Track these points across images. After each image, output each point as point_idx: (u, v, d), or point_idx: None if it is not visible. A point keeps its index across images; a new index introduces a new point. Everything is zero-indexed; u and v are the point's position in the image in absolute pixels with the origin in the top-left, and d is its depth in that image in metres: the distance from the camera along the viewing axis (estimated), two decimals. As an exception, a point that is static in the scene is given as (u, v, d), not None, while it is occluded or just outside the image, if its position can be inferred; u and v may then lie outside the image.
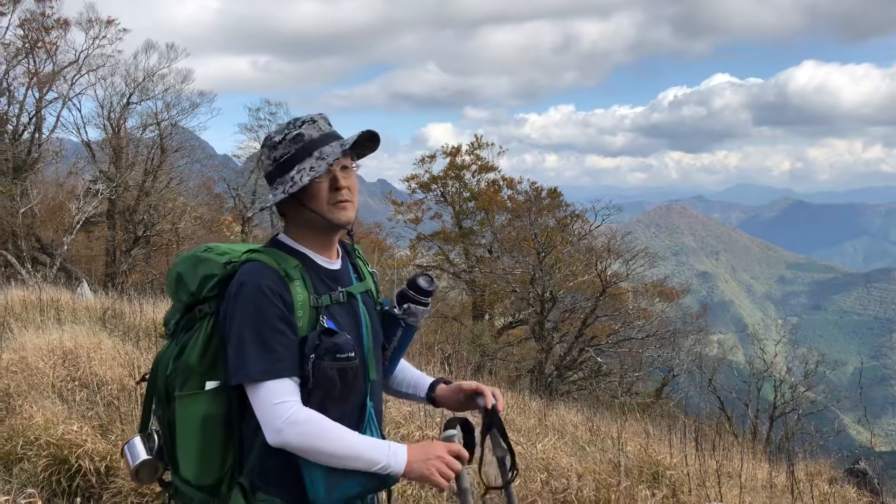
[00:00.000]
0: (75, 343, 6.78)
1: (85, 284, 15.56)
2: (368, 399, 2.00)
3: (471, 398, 2.20)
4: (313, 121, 1.94)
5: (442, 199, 32.63)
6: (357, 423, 1.96)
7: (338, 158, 1.90)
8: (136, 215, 26.57)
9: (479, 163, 32.86)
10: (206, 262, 1.97)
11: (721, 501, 4.85)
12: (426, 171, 32.91)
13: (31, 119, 26.17)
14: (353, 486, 1.84)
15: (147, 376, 2.03)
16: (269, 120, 32.61)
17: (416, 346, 10.34)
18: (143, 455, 1.97)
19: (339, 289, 1.98)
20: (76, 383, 5.76)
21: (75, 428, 4.52)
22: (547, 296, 21.78)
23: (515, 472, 2.14)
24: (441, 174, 32.62)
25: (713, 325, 36.78)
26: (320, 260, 1.99)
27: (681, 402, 20.78)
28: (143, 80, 27.04)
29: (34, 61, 25.98)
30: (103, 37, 26.16)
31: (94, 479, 4.19)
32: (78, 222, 23.76)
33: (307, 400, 1.84)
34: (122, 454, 2.03)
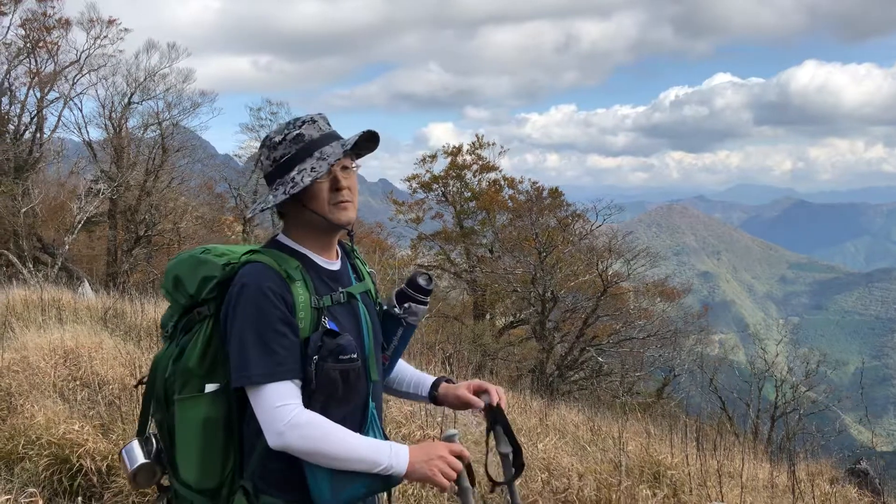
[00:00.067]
0: (77, 343, 6.78)
1: (86, 284, 15.57)
2: (370, 400, 1.99)
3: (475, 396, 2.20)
4: (313, 121, 1.93)
5: (443, 198, 32.64)
6: (359, 424, 1.95)
7: (339, 159, 1.89)
8: (138, 215, 26.60)
9: (481, 162, 32.87)
10: (205, 263, 1.95)
11: (722, 501, 4.85)
12: (427, 171, 32.94)
13: (32, 119, 26.21)
14: (358, 487, 1.83)
15: (145, 379, 2.01)
16: (270, 119, 32.67)
17: (417, 346, 10.34)
18: (140, 459, 1.95)
19: (340, 289, 1.97)
20: (77, 383, 5.76)
21: (76, 427, 4.52)
22: (548, 295, 21.78)
23: (521, 468, 2.14)
24: (442, 174, 32.62)
25: (714, 325, 36.76)
26: (320, 261, 1.98)
27: (682, 401, 20.81)
28: (145, 79, 27.11)
29: (35, 61, 26.04)
30: (105, 36, 26.23)
31: (95, 479, 4.19)
32: (79, 222, 23.77)
33: (310, 402, 1.83)
34: (120, 458, 2.02)
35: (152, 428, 2.00)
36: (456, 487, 1.95)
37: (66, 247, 23.48)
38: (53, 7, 25.90)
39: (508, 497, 2.17)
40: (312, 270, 1.94)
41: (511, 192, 32.63)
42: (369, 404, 1.98)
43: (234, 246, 2.05)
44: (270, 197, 1.93)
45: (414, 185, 33.00)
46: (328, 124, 1.97)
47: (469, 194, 32.51)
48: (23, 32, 25.59)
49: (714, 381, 18.71)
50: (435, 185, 32.71)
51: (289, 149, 1.91)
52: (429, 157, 33.16)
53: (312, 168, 1.87)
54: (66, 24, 26.07)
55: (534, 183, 32.39)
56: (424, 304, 2.16)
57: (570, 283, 22.57)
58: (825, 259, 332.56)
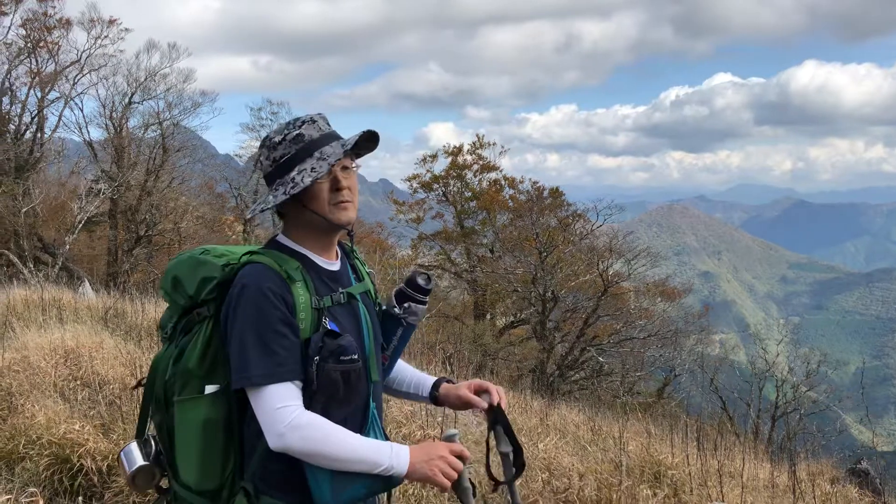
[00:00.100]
0: (77, 342, 6.78)
1: (87, 284, 15.57)
2: (371, 400, 1.99)
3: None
4: (313, 121, 1.93)
5: (443, 198, 32.65)
6: (360, 424, 1.95)
7: (339, 159, 1.89)
8: (138, 215, 26.60)
9: (481, 162, 32.88)
10: (204, 264, 1.94)
11: (723, 501, 4.85)
12: (428, 171, 32.95)
13: (33, 118, 26.21)
14: (359, 488, 1.82)
15: (143, 381, 2.00)
16: (270, 119, 32.69)
17: (418, 346, 10.34)
18: (139, 461, 1.94)
19: (340, 290, 1.96)
20: (78, 382, 5.76)
21: (77, 427, 4.52)
22: (548, 295, 21.78)
23: (522, 468, 2.14)
24: (443, 174, 32.63)
25: (715, 325, 36.76)
26: (320, 261, 1.97)
27: (682, 401, 20.81)
28: (145, 79, 27.13)
29: (36, 61, 26.05)
30: (105, 36, 26.25)
31: (95, 479, 4.19)
32: (80, 222, 23.77)
33: (311, 403, 1.82)
34: (118, 460, 2.01)
35: (151, 430, 1.99)
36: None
37: (67, 246, 23.49)
38: (54, 7, 25.95)
39: (509, 496, 2.17)
40: (312, 271, 1.93)
41: (512, 191, 32.66)
42: (370, 405, 1.98)
43: (234, 246, 2.05)
44: (270, 197, 1.92)
45: (414, 184, 33.02)
46: (328, 124, 1.96)
47: (469, 194, 32.53)
48: (23, 32, 25.64)
49: (715, 381, 18.70)
50: (435, 185, 32.72)
51: (289, 149, 1.90)
52: (429, 156, 33.20)
53: (313, 168, 1.87)
54: (66, 23, 26.11)
55: (534, 183, 32.44)
56: (424, 303, 2.15)
57: (570, 282, 22.57)
58: (825, 259, 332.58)
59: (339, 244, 2.08)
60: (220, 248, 2.02)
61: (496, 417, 2.14)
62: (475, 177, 32.91)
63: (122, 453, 1.98)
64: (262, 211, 1.96)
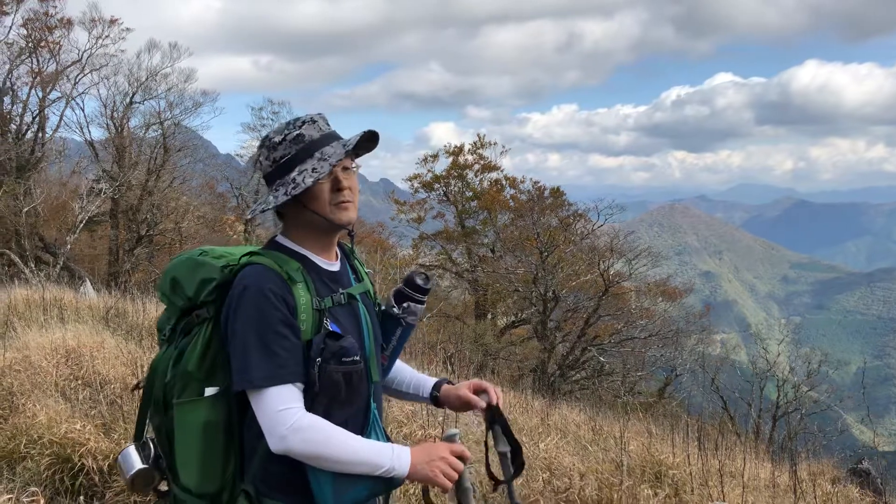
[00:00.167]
0: (78, 342, 6.79)
1: (88, 283, 15.59)
2: (372, 401, 1.98)
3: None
4: (313, 121, 1.92)
5: (444, 198, 32.66)
6: (362, 426, 1.95)
7: (341, 159, 1.88)
8: (140, 214, 26.62)
9: (482, 162, 32.88)
10: (203, 266, 1.94)
11: (724, 501, 4.85)
12: (429, 171, 32.96)
13: (34, 118, 26.22)
14: (360, 489, 1.82)
15: (141, 384, 1.99)
16: (271, 119, 32.69)
17: (419, 346, 10.34)
18: (137, 464, 1.92)
19: (340, 290, 1.96)
20: (79, 382, 5.76)
21: (78, 427, 4.52)
22: (549, 295, 21.78)
23: (522, 467, 2.13)
24: (444, 173, 32.64)
25: (716, 325, 36.75)
26: (320, 262, 1.97)
27: (683, 401, 20.80)
28: (146, 79, 27.14)
29: (37, 61, 26.05)
30: (106, 36, 26.26)
31: (96, 478, 4.20)
32: (81, 221, 23.79)
33: (312, 404, 1.82)
34: (116, 464, 2.00)
35: (150, 433, 1.98)
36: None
37: (68, 246, 23.50)
38: (55, 7, 25.95)
39: (508, 496, 2.17)
40: (313, 272, 1.92)
41: (513, 191, 32.66)
42: (371, 406, 1.98)
43: (233, 247, 2.04)
44: (271, 198, 1.91)
45: (415, 184, 33.03)
46: (328, 124, 1.95)
47: (470, 194, 32.53)
48: (25, 32, 25.64)
49: (716, 381, 18.70)
50: (436, 185, 32.72)
51: (289, 149, 1.89)
52: (430, 156, 33.21)
53: (314, 169, 1.86)
54: (67, 23, 26.12)
55: (535, 182, 32.43)
56: (422, 303, 2.15)
57: (571, 282, 22.57)
58: (827, 259, 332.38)
59: (339, 244, 2.08)
60: (218, 249, 2.01)
61: (493, 417, 2.14)
62: (476, 176, 32.92)
63: (120, 457, 1.97)
64: (263, 211, 1.94)
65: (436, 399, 2.24)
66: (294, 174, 1.87)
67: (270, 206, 1.89)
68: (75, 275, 20.59)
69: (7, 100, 25.81)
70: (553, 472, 4.85)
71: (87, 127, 27.05)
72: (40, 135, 26.31)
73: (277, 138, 1.91)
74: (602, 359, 21.24)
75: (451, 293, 30.47)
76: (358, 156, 2.03)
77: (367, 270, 2.17)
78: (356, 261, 2.14)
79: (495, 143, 33.52)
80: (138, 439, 1.97)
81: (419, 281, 2.14)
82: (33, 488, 3.87)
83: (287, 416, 1.76)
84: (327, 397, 1.83)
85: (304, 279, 1.88)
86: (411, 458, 1.82)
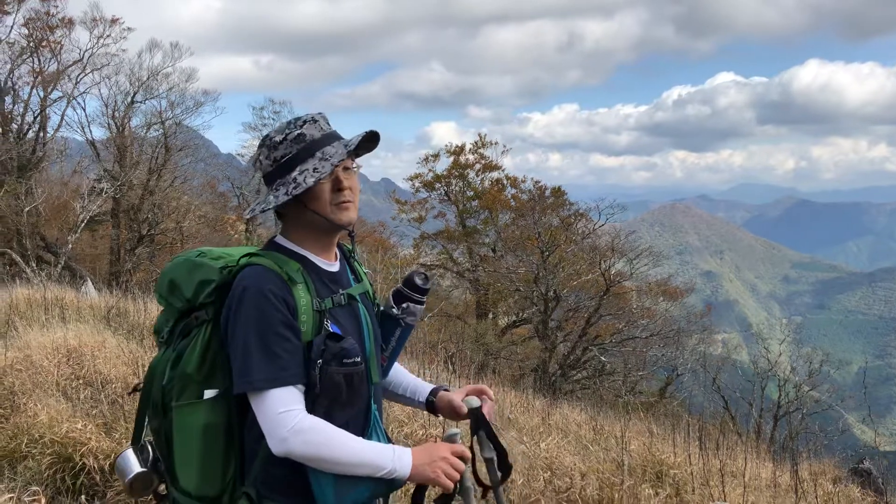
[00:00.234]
0: (80, 341, 6.79)
1: (89, 283, 15.60)
2: (372, 402, 1.97)
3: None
4: (314, 120, 1.91)
5: (445, 197, 32.66)
6: (362, 427, 1.94)
7: (343, 159, 1.87)
8: (141, 214, 26.63)
9: (483, 162, 32.88)
10: (202, 267, 1.92)
11: (725, 501, 4.85)
12: (430, 170, 32.96)
13: (35, 118, 26.27)
14: (362, 491, 1.81)
15: (139, 386, 1.98)
16: (272, 119, 32.72)
17: (420, 346, 10.34)
18: (136, 468, 1.91)
19: (340, 291, 1.95)
20: (80, 381, 5.76)
21: (79, 426, 4.53)
22: (550, 295, 21.77)
23: (508, 472, 2.12)
24: (445, 173, 32.63)
25: (717, 325, 36.73)
26: (320, 262, 1.95)
27: (684, 401, 20.79)
28: (148, 78, 27.17)
29: (39, 60, 26.10)
30: (108, 36, 26.29)
31: (98, 477, 4.20)
32: (82, 221, 23.80)
33: (314, 406, 1.81)
34: (114, 467, 1.99)
35: (148, 436, 1.96)
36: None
37: (70, 246, 23.52)
38: (56, 6, 25.99)
39: (495, 501, 2.16)
40: (313, 272, 1.91)
41: (514, 191, 32.66)
42: (371, 407, 1.97)
43: (231, 248, 2.02)
44: (271, 197, 1.89)
45: (417, 184, 33.03)
46: (328, 124, 1.94)
47: (472, 193, 32.52)
48: (26, 32, 25.70)
49: (717, 381, 18.69)
50: (437, 185, 32.72)
51: (290, 149, 1.88)
52: (431, 156, 33.21)
53: (315, 168, 1.84)
54: (69, 23, 26.16)
55: (536, 182, 32.43)
56: (422, 303, 2.14)
57: (572, 282, 22.57)
58: (828, 258, 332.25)
59: (338, 245, 2.06)
60: (217, 250, 2.00)
61: (478, 423, 2.12)
62: (477, 176, 32.92)
63: (118, 460, 1.96)
64: (263, 211, 1.93)
65: (431, 405, 2.22)
66: (295, 174, 1.86)
67: (271, 206, 1.88)
68: (76, 274, 20.61)
69: (8, 99, 25.86)
70: (554, 471, 4.85)
71: (89, 126, 27.14)
72: (42, 134, 26.36)
73: (278, 137, 1.90)
74: (603, 358, 21.23)
75: (453, 293, 30.48)
76: (358, 155, 2.02)
77: (366, 271, 2.16)
78: (355, 261, 2.13)
79: (496, 143, 33.55)
80: (136, 442, 1.96)
81: (418, 281, 2.13)
82: (34, 487, 3.87)
83: (288, 419, 1.75)
84: (328, 399, 1.82)
85: (304, 280, 1.87)
86: (413, 459, 1.81)
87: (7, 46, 25.39)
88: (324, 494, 1.79)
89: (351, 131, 1.97)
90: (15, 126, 25.89)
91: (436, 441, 2.08)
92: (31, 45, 25.65)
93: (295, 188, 1.84)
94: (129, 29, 26.79)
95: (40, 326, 7.87)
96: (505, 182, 32.79)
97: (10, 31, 25.46)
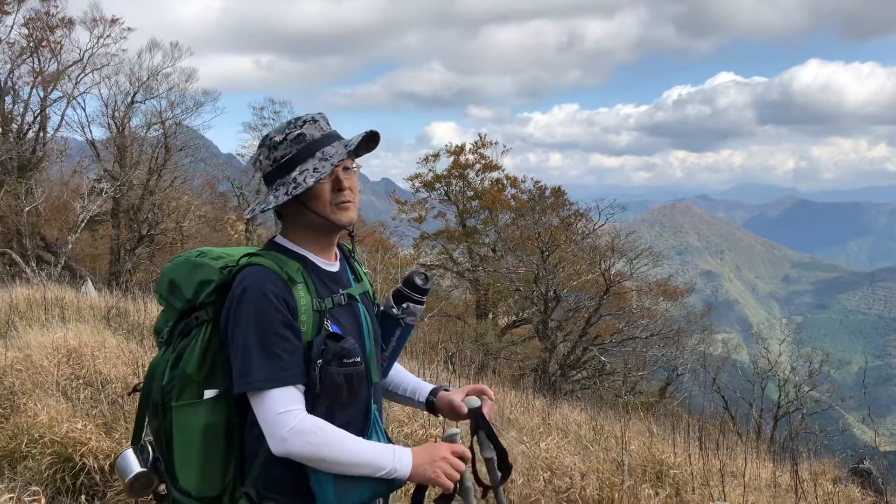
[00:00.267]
0: (79, 341, 6.79)
1: (89, 283, 15.60)
2: (372, 402, 1.97)
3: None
4: (314, 120, 1.91)
5: (446, 197, 32.64)
6: (362, 427, 1.94)
7: (343, 159, 1.87)
8: (141, 214, 26.63)
9: (483, 161, 32.86)
10: (202, 267, 1.92)
11: (725, 501, 4.85)
12: (430, 170, 32.94)
13: (35, 118, 26.26)
14: (363, 491, 1.81)
15: (139, 386, 1.98)
16: (273, 119, 32.70)
17: (420, 346, 10.35)
18: (136, 468, 1.90)
19: (340, 291, 1.95)
20: (80, 381, 5.76)
21: (79, 426, 4.53)
22: (550, 295, 21.77)
23: (508, 472, 2.12)
24: (445, 173, 32.62)
25: (717, 325, 36.71)
26: (320, 262, 1.95)
27: (684, 401, 20.79)
28: (148, 78, 27.15)
29: (39, 60, 26.10)
30: (108, 36, 26.28)
31: (98, 477, 4.20)
32: (82, 221, 23.80)
33: (314, 406, 1.81)
34: (114, 468, 1.99)
35: (148, 436, 1.96)
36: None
37: (70, 246, 23.52)
38: (56, 6, 25.99)
39: (495, 501, 2.15)
40: (313, 272, 1.91)
41: (514, 191, 32.63)
42: (371, 407, 1.97)
43: (231, 248, 2.02)
44: (271, 197, 1.89)
45: (417, 184, 33.01)
46: (328, 124, 1.94)
47: (472, 193, 32.51)
48: (26, 31, 25.68)
49: (717, 381, 18.69)
50: (438, 185, 32.71)
51: (290, 148, 1.87)
52: (431, 156, 33.18)
53: (315, 168, 1.84)
54: (69, 23, 26.15)
55: (536, 182, 32.40)
56: (422, 303, 2.14)
57: (572, 282, 22.57)
58: (828, 258, 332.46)
59: (338, 245, 2.06)
60: (216, 250, 2.00)
61: (478, 423, 2.12)
62: (477, 176, 32.90)
63: (118, 461, 1.95)
64: (263, 211, 1.92)
65: (431, 405, 2.22)
66: (295, 174, 1.86)
67: (270, 206, 1.88)
68: (76, 274, 20.61)
69: (8, 99, 25.85)
70: (554, 471, 4.85)
71: (89, 126, 27.13)
72: (42, 134, 26.36)
73: (278, 137, 1.89)
74: (603, 358, 21.23)
75: (453, 293, 30.47)
76: (358, 155, 2.02)
77: (365, 271, 2.16)
78: (355, 261, 2.13)
79: (496, 143, 33.52)
80: (136, 442, 1.96)
81: (418, 281, 2.12)
82: (34, 487, 3.87)
83: (288, 419, 1.75)
84: (328, 399, 1.82)
85: (304, 280, 1.86)
86: (413, 459, 1.81)
87: (7, 46, 25.42)
88: (324, 495, 1.79)
89: (351, 131, 1.97)
90: (15, 126, 25.89)
91: (436, 441, 2.08)
92: (31, 45, 25.65)
93: (295, 188, 1.84)
94: (129, 29, 26.82)
95: (40, 326, 7.87)
96: (505, 182, 32.79)
97: (10, 31, 25.50)
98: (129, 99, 27.12)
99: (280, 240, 1.96)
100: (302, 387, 1.80)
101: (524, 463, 5.00)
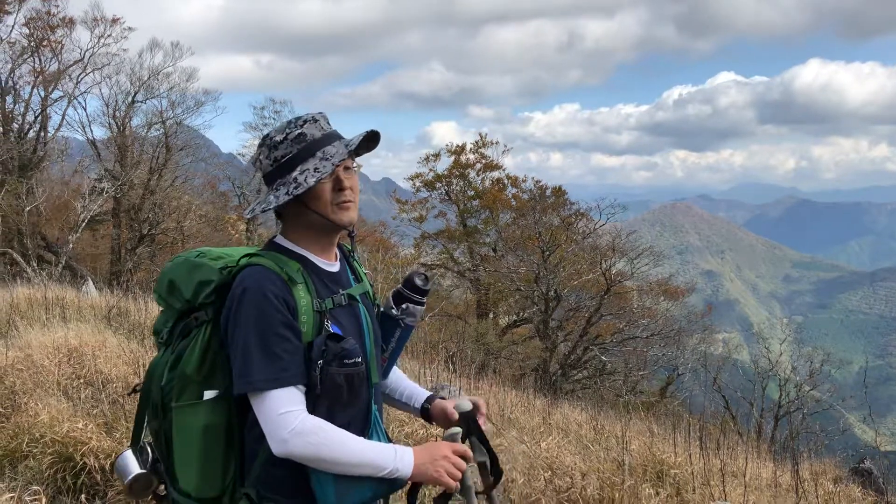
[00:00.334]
0: (80, 341, 6.79)
1: (90, 282, 15.60)
2: (372, 402, 1.97)
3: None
4: (314, 120, 1.90)
5: (446, 197, 32.65)
6: (363, 427, 1.93)
7: (344, 159, 1.86)
8: (142, 213, 26.64)
9: (484, 161, 32.87)
10: (201, 267, 1.92)
11: (725, 501, 4.84)
12: (431, 170, 32.96)
13: (36, 117, 26.25)
14: (364, 491, 1.81)
15: (138, 387, 1.97)
16: (273, 118, 32.70)
17: (420, 345, 10.34)
18: (136, 469, 1.90)
19: (341, 291, 1.94)
20: (81, 381, 5.76)
21: (80, 425, 4.53)
22: (551, 294, 21.78)
23: (499, 477, 2.11)
24: (445, 173, 32.63)
25: (718, 324, 36.70)
26: (320, 262, 1.95)
27: (685, 400, 20.79)
28: (148, 78, 27.16)
29: (39, 60, 26.09)
30: (108, 35, 26.27)
31: (98, 477, 4.20)
32: (83, 220, 23.81)
33: (314, 407, 1.80)
34: (114, 469, 1.99)
35: (147, 437, 1.95)
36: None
37: (70, 245, 23.53)
38: (57, 6, 25.98)
39: None
40: (313, 273, 1.91)
41: (514, 190, 32.65)
42: (371, 407, 1.97)
43: (231, 249, 2.02)
44: (271, 197, 1.88)
45: (417, 183, 33.02)
46: (329, 123, 1.94)
47: (472, 193, 32.52)
48: (27, 31, 25.67)
49: (718, 381, 18.68)
50: (438, 184, 32.72)
51: (290, 148, 1.87)
52: (432, 155, 33.20)
53: (316, 168, 1.84)
54: (70, 22, 26.15)
55: (537, 182, 32.41)
56: (422, 304, 2.13)
57: (573, 281, 22.58)
58: (829, 258, 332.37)
59: (338, 245, 2.06)
60: (216, 250, 2.00)
61: (469, 428, 2.12)
62: (478, 176, 32.91)
63: (117, 462, 1.95)
64: (263, 211, 1.92)
65: (426, 412, 2.21)
66: (296, 173, 1.85)
67: (271, 206, 1.87)
68: (77, 274, 20.63)
69: (9, 99, 25.85)
70: (555, 471, 4.85)
71: (90, 126, 27.13)
72: (42, 134, 26.35)
73: (278, 137, 1.89)
74: (604, 358, 21.24)
75: (453, 292, 30.47)
76: (359, 155, 2.01)
77: (365, 271, 2.15)
78: (355, 261, 2.12)
79: (497, 143, 33.54)
80: (136, 443, 1.95)
81: (418, 282, 2.12)
82: (35, 487, 3.87)
83: (289, 420, 1.74)
84: (329, 399, 1.82)
85: (304, 280, 1.86)
86: (414, 459, 1.81)
87: (8, 46, 25.40)
88: (325, 495, 1.79)
89: (351, 131, 1.97)
90: (16, 125, 25.88)
91: (437, 440, 2.08)
92: (31, 44, 25.65)
93: (296, 188, 1.83)
94: (129, 28, 26.81)
95: (41, 326, 7.87)
96: (506, 181, 32.79)
97: (11, 31, 25.47)
98: (129, 98, 27.15)
99: (280, 240, 1.96)
100: (303, 387, 1.80)
101: (525, 462, 5.00)
